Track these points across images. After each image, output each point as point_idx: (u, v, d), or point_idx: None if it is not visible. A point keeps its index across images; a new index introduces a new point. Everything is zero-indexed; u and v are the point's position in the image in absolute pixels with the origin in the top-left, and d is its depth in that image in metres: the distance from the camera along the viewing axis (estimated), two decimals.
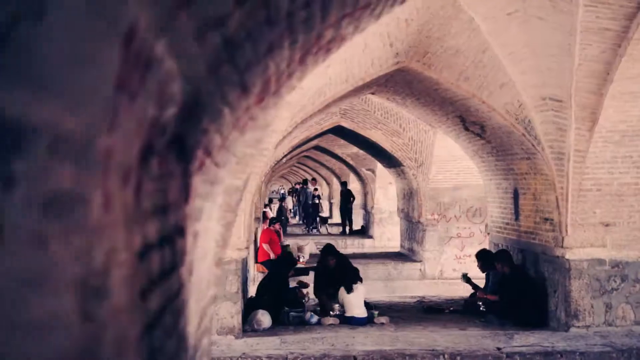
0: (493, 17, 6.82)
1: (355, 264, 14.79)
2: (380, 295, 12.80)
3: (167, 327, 1.68)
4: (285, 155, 16.78)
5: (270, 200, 26.71)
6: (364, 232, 22.38)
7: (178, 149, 1.77)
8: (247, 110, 2.39)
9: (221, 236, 3.06)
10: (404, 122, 13.95)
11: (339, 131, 15.23)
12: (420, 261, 14.71)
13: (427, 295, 10.95)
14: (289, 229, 25.59)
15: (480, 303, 8.67)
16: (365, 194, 22.22)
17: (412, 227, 15.61)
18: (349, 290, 8.49)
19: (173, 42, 1.28)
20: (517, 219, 9.04)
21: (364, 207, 22.53)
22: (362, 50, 7.31)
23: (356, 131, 14.48)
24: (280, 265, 8.91)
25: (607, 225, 7.74)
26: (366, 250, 19.55)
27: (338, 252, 9.71)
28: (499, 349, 7.17)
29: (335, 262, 9.14)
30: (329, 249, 9.29)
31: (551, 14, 6.63)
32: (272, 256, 13.48)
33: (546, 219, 8.11)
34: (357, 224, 23.38)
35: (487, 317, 8.48)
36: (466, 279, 9.45)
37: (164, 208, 1.65)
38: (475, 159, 10.17)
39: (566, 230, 7.73)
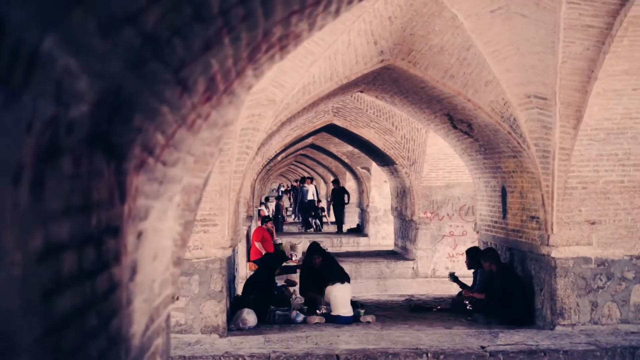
0: (476, 15, 6.79)
1: (348, 262, 14.81)
2: (372, 293, 12.79)
3: (88, 328, 1.66)
4: (279, 153, 16.76)
5: (267, 199, 26.66)
6: (359, 231, 22.35)
7: (104, 147, 1.75)
8: (194, 109, 2.36)
9: (180, 235, 3.04)
10: (396, 120, 13.92)
11: (332, 129, 15.21)
12: (413, 259, 14.69)
13: (416, 294, 10.93)
14: (285, 228, 25.60)
15: (467, 302, 8.65)
16: (360, 192, 22.20)
17: (405, 226, 15.59)
18: (337, 283, 8.46)
19: (69, 39, 1.25)
20: (504, 217, 9.02)
21: (360, 205, 22.51)
22: (346, 48, 7.28)
23: (349, 129, 14.45)
24: (267, 264, 8.88)
25: (592, 223, 7.71)
26: (361, 248, 19.54)
27: (324, 250, 9.69)
28: (483, 347, 7.15)
29: (321, 260, 9.12)
30: (314, 248, 9.26)
31: (534, 11, 6.60)
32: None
33: (532, 217, 8.08)
34: (353, 222, 23.37)
35: (473, 315, 8.46)
36: (453, 277, 9.43)
37: (84, 207, 1.62)
38: (464, 157, 10.14)
39: (552, 229, 7.70)
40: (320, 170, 30.24)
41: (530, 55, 7.00)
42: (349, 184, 24.20)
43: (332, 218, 24.86)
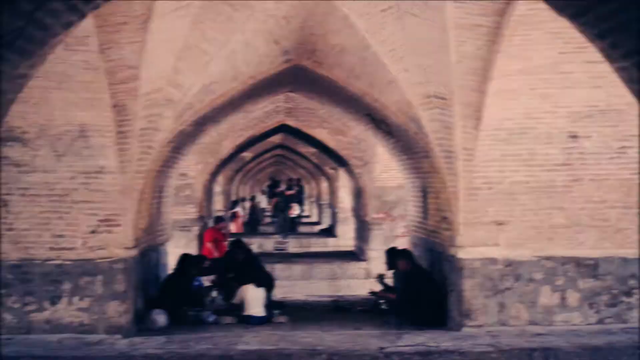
0: (367, 14, 6.74)
1: (300, 263, 14.80)
2: (321, 294, 12.75)
3: None
4: (237, 153, 16.67)
5: (243, 199, 26.66)
6: (330, 231, 22.32)
7: None
8: None
9: None
10: (347, 120, 13.86)
11: (287, 130, 15.18)
12: (366, 260, 14.64)
13: (345, 295, 10.89)
14: (262, 229, 25.60)
15: (381, 302, 8.61)
16: (331, 193, 22.18)
17: (362, 226, 15.55)
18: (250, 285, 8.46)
19: None
20: (426, 217, 8.97)
21: (331, 206, 22.48)
22: (245, 48, 7.24)
23: (302, 130, 14.43)
24: (183, 265, 8.87)
25: (500, 224, 7.65)
26: (330, 249, 19.53)
27: (248, 248, 9.68)
28: (382, 348, 7.10)
29: (244, 257, 9.10)
30: (237, 243, 9.26)
31: (424, 10, 6.56)
32: (217, 255, 13.46)
33: (444, 218, 8.03)
34: (325, 222, 23.33)
35: (389, 316, 8.42)
36: (380, 278, 9.39)
37: None
38: (394, 157, 10.10)
39: (459, 229, 7.65)
40: (302, 171, 30.21)
41: (426, 54, 6.96)
42: (323, 185, 24.16)
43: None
